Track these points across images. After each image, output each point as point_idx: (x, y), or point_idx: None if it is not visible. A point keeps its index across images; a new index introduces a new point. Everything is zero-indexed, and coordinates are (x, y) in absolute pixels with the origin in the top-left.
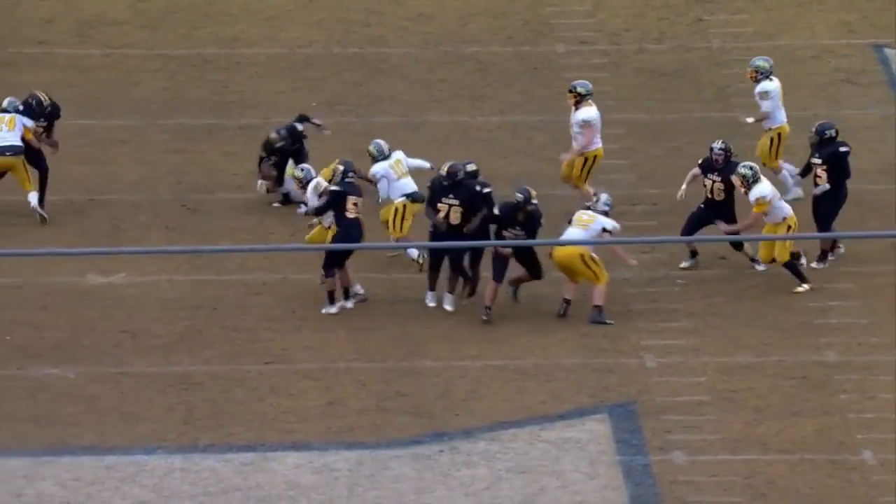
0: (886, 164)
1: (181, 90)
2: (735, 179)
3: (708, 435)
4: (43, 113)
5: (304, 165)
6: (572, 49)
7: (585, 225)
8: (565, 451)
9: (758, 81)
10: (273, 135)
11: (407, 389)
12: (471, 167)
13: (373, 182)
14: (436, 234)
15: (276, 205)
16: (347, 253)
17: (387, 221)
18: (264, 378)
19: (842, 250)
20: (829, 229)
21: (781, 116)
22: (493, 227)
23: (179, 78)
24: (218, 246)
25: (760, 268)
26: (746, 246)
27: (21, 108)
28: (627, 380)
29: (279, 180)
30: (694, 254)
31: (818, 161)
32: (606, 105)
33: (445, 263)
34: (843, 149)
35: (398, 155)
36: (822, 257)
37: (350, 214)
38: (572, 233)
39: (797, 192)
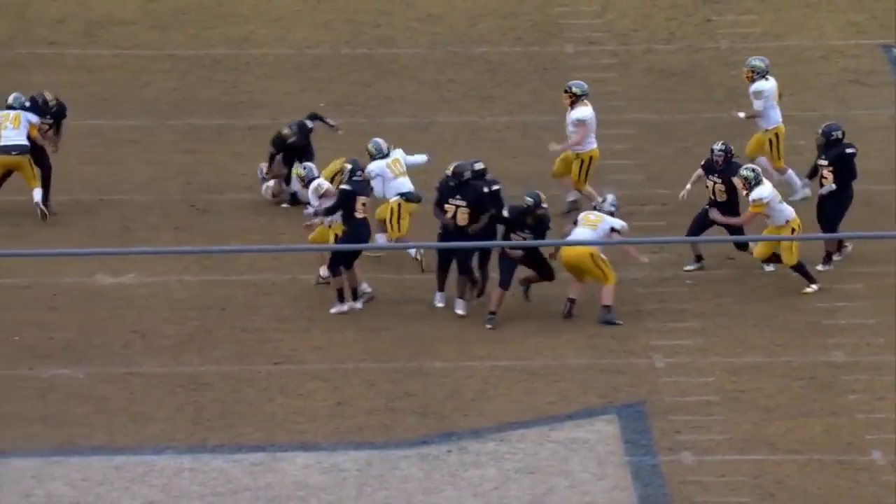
0: (895, 164)
1: (190, 90)
2: (737, 181)
3: (716, 435)
4: (48, 111)
5: (308, 164)
6: (581, 49)
7: (594, 225)
8: (574, 451)
9: (753, 81)
10: (285, 130)
11: (415, 390)
12: (478, 166)
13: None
14: (445, 235)
15: (285, 205)
16: (356, 253)
17: (384, 221)
18: (273, 378)
19: (849, 249)
20: (835, 230)
21: (776, 116)
22: (500, 229)
23: (189, 78)
24: (227, 246)
25: (769, 268)
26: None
27: (28, 104)
28: (636, 380)
29: (287, 179)
30: (699, 258)
31: (824, 162)
32: (615, 105)
33: (454, 265)
34: (849, 150)
35: (397, 154)
36: (827, 259)
37: (359, 214)
38: (580, 233)
39: (805, 192)
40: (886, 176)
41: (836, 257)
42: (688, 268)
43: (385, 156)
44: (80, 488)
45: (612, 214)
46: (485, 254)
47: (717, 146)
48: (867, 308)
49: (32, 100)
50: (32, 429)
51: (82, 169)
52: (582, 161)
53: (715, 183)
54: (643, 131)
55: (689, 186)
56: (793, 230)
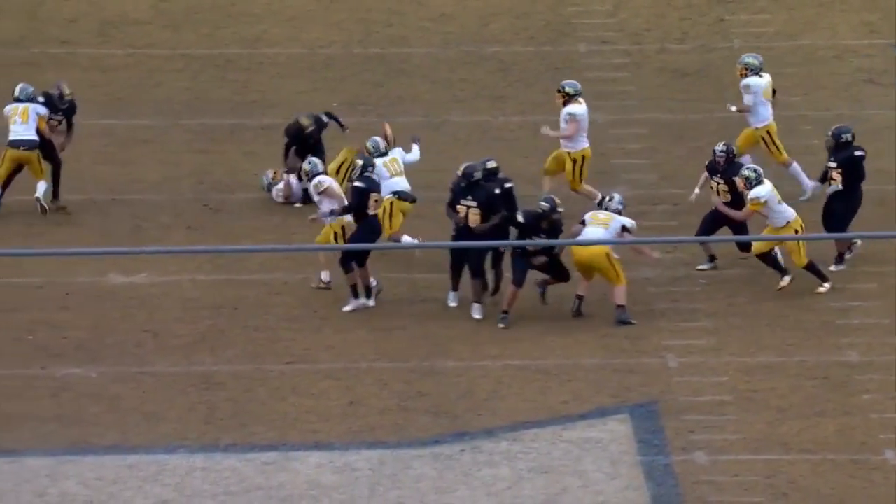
0: None
1: (203, 90)
2: (738, 181)
3: (729, 435)
4: (60, 108)
5: (313, 159)
6: (594, 49)
7: (605, 224)
8: (587, 451)
9: (746, 78)
10: (304, 119)
11: (428, 389)
12: (490, 164)
13: None
14: (458, 236)
15: (297, 204)
16: (368, 249)
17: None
18: (286, 378)
19: (858, 244)
20: (845, 232)
21: (766, 113)
22: (514, 231)
23: (202, 78)
24: (239, 246)
25: (785, 282)
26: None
27: (38, 99)
28: (649, 380)
29: (300, 174)
30: (712, 258)
31: (833, 164)
32: (628, 105)
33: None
34: (858, 153)
35: (395, 153)
36: (839, 259)
37: (371, 211)
38: (593, 232)
39: (815, 185)
40: None
41: (846, 255)
42: (701, 267)
43: (383, 154)
44: (94, 487)
45: (618, 213)
46: (498, 253)
47: (719, 147)
48: (881, 308)
49: (47, 95)
50: (46, 428)
51: (95, 168)
52: (574, 161)
53: (718, 184)
54: (656, 131)
55: (697, 190)
56: (795, 231)
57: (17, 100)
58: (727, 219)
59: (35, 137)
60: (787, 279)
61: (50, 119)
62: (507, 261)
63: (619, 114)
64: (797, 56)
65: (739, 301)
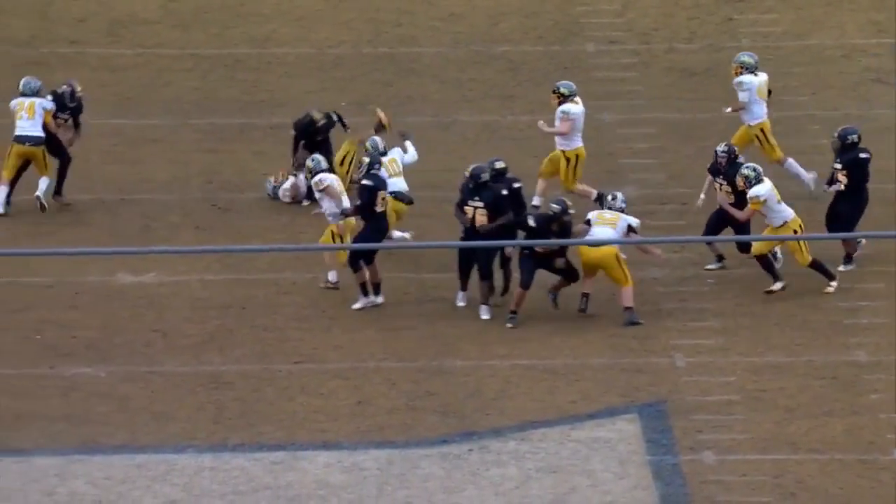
0: None
1: (212, 90)
2: (738, 180)
3: (738, 434)
4: (69, 106)
5: (316, 156)
6: (602, 48)
7: (613, 224)
8: (595, 450)
9: (741, 76)
10: (316, 114)
11: (437, 389)
12: (499, 165)
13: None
14: (466, 237)
15: (305, 203)
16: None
17: None
18: (294, 377)
19: (862, 243)
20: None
21: (760, 112)
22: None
23: (211, 77)
24: (248, 245)
25: (777, 287)
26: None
27: (47, 96)
28: (657, 379)
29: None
30: (720, 258)
31: (839, 166)
32: (636, 104)
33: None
34: (863, 155)
35: (394, 153)
36: (848, 259)
37: (379, 208)
38: (603, 232)
39: (813, 175)
40: None
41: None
42: (709, 267)
43: (382, 154)
44: (102, 487)
45: (622, 212)
46: (506, 255)
47: (720, 147)
48: (889, 307)
49: (55, 94)
50: (55, 427)
51: (104, 168)
52: (568, 160)
53: (721, 185)
54: (664, 130)
55: (703, 196)
56: (794, 232)
57: (23, 94)
58: (731, 219)
59: (41, 134)
60: (778, 285)
61: (57, 117)
62: (514, 261)
63: (628, 113)
64: (805, 55)
65: (747, 301)
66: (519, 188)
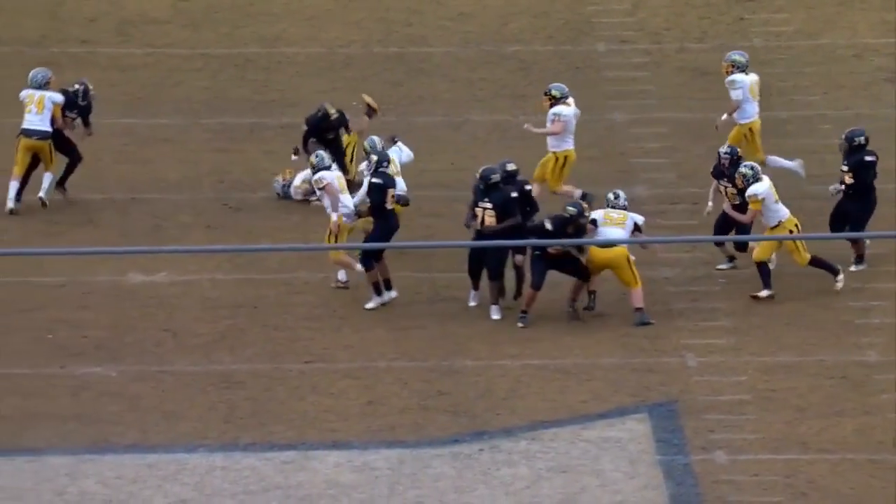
0: None
1: (223, 89)
2: (737, 179)
3: (749, 434)
4: (80, 104)
5: (320, 152)
6: (613, 48)
7: (621, 223)
8: (606, 450)
9: (731, 75)
10: (330, 108)
11: (448, 388)
12: (510, 167)
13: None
14: (478, 237)
15: (315, 202)
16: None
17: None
18: (305, 377)
19: (868, 244)
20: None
21: (751, 111)
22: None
23: (221, 77)
24: (259, 245)
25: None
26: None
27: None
28: (668, 379)
29: None
30: (731, 258)
31: (845, 168)
32: (647, 104)
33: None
34: (868, 158)
35: (393, 153)
36: (859, 260)
37: (388, 206)
38: (613, 233)
39: (798, 161)
40: None
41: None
42: (720, 267)
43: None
44: (113, 486)
45: (625, 209)
46: (517, 251)
47: (724, 149)
48: None
49: (66, 92)
50: (65, 427)
51: (115, 168)
52: (557, 159)
53: (726, 187)
54: (676, 130)
55: (710, 204)
56: (790, 232)
57: (32, 86)
58: (735, 222)
59: (48, 128)
60: (765, 292)
61: (65, 115)
62: (526, 264)
63: (639, 113)
64: (816, 55)
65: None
66: (529, 191)
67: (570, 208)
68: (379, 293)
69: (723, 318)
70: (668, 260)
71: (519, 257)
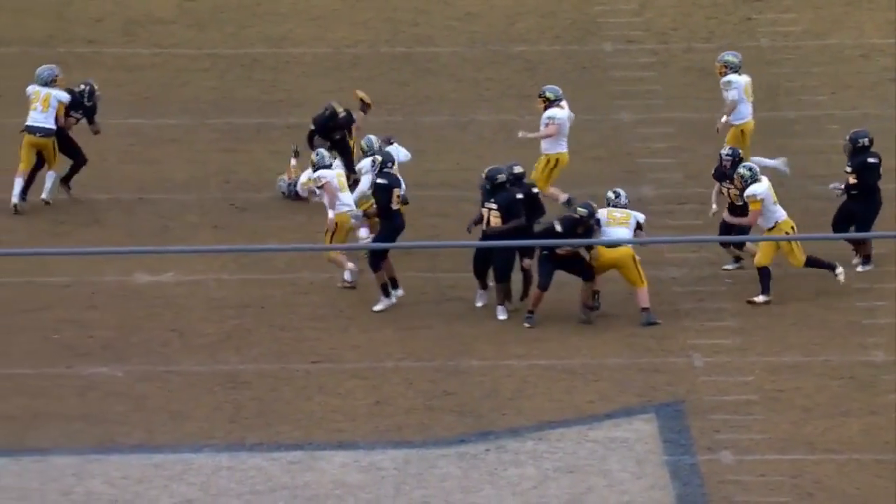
0: None
1: (229, 89)
2: (735, 180)
3: (755, 434)
4: (85, 105)
5: (321, 151)
6: (620, 48)
7: (625, 223)
8: (612, 450)
9: (725, 76)
10: (338, 106)
11: (454, 388)
12: (517, 169)
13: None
14: (485, 237)
15: (317, 199)
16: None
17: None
18: (312, 377)
19: (872, 242)
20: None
21: (746, 112)
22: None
23: (228, 77)
24: (265, 245)
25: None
26: (750, 246)
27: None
28: (675, 379)
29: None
30: (738, 259)
31: (849, 169)
32: (654, 104)
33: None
34: (871, 160)
35: (391, 152)
36: (866, 260)
37: (394, 206)
38: (618, 232)
39: (783, 158)
40: None
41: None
42: (726, 267)
43: (376, 152)
44: (119, 486)
45: (626, 208)
46: (525, 254)
47: (725, 151)
48: None
49: (72, 92)
50: (72, 427)
51: (121, 168)
52: (548, 160)
53: (728, 189)
54: (682, 130)
55: (714, 206)
56: (786, 233)
57: (38, 83)
58: (738, 227)
59: (52, 126)
60: (762, 297)
61: (70, 115)
62: (534, 266)
63: (646, 113)
64: (824, 55)
65: None
66: (536, 193)
67: (581, 209)
68: (387, 295)
69: (729, 318)
70: (675, 260)
71: (527, 261)
